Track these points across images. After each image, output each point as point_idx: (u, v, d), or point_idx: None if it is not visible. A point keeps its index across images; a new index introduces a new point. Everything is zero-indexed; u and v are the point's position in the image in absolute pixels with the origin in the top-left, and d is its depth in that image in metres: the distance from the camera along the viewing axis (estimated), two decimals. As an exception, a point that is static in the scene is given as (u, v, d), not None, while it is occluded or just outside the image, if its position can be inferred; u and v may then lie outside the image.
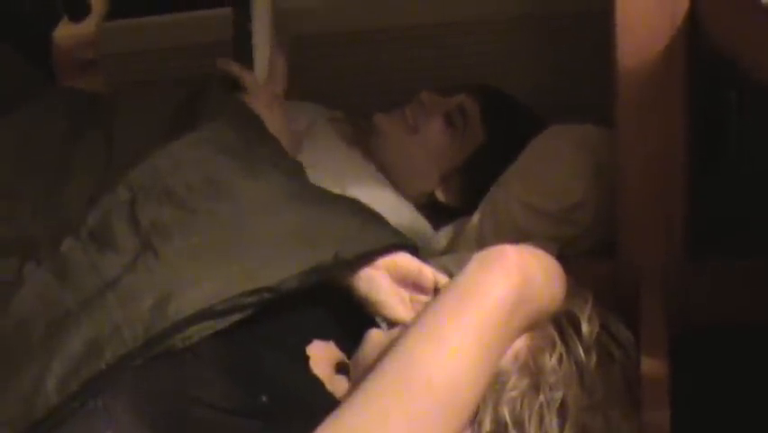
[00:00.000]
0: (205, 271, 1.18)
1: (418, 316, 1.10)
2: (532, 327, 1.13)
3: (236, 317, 1.17)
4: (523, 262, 1.11)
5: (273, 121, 1.58)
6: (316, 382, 1.22)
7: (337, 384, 1.24)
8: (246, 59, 1.66)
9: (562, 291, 1.16)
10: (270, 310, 1.22)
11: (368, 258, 1.26)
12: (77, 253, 1.22)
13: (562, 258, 1.46)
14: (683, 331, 1.41)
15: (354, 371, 1.25)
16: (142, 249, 1.20)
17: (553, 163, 1.62)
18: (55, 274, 1.20)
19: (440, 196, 1.75)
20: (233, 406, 1.12)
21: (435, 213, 1.75)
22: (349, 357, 1.28)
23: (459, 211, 1.74)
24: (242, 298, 1.16)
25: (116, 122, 1.50)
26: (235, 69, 1.64)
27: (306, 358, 1.25)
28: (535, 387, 1.14)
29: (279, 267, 1.19)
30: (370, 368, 1.18)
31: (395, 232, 1.32)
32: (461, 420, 1.06)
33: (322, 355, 1.26)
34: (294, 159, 1.48)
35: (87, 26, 1.70)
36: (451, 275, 1.47)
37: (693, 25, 1.37)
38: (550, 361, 1.14)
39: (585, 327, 1.16)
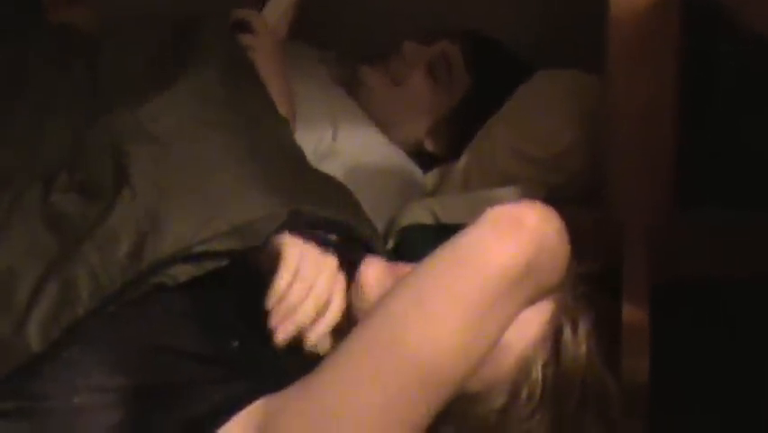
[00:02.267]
0: (179, 211, 1.17)
1: (412, 271, 1.03)
2: (533, 301, 1.05)
3: (210, 265, 1.16)
4: (541, 234, 1.02)
5: (272, 70, 1.58)
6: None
7: None
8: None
9: (566, 264, 1.06)
10: (240, 281, 1.22)
11: (324, 225, 1.22)
12: (66, 204, 1.22)
13: (547, 204, 1.48)
14: (666, 281, 1.42)
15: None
16: (121, 190, 1.20)
17: (541, 110, 1.62)
18: (45, 223, 1.20)
19: (428, 146, 1.75)
20: (204, 352, 1.12)
21: (424, 160, 1.75)
22: None
23: (447, 159, 1.74)
24: (215, 241, 1.16)
25: (103, 59, 1.49)
26: (244, 11, 1.62)
27: None
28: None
29: (249, 211, 1.18)
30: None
31: (362, 221, 1.28)
32: (440, 394, 1.00)
33: None
34: (280, 115, 1.47)
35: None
36: (436, 218, 1.47)
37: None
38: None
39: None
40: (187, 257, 1.15)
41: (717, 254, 1.50)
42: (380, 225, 1.46)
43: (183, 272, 1.15)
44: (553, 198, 1.49)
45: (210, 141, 1.27)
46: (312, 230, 1.19)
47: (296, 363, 1.14)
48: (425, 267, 1.02)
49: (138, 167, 1.22)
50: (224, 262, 1.17)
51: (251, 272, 1.23)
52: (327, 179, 1.36)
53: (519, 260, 0.99)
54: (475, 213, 1.44)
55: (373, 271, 1.13)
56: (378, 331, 1.00)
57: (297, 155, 1.38)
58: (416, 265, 1.03)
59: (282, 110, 1.52)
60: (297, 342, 1.11)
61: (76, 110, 1.40)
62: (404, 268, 1.11)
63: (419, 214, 1.49)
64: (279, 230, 1.17)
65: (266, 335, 1.18)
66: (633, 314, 1.24)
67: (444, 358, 0.98)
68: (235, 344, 1.15)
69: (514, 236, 1.00)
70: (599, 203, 1.48)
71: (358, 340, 1.02)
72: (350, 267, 1.17)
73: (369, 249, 1.24)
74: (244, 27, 1.62)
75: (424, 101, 1.73)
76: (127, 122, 1.29)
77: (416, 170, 1.71)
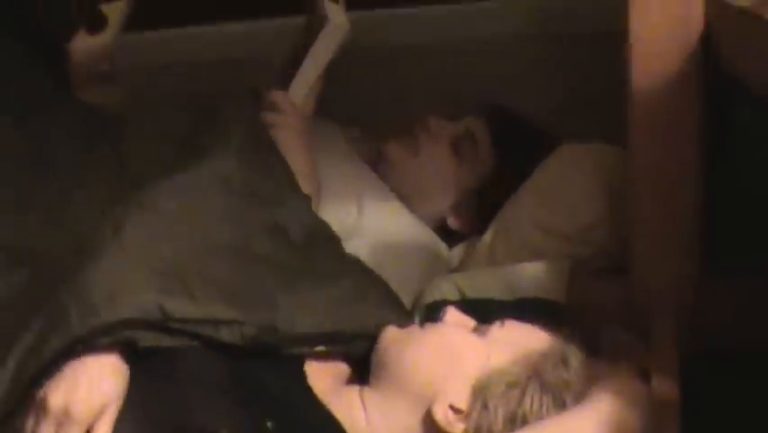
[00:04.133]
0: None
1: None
2: None
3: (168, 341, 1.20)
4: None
5: (297, 147, 1.60)
6: (318, 404, 1.23)
7: (338, 398, 1.25)
8: (289, 76, 1.67)
9: None
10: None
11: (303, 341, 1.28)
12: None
13: (574, 277, 1.48)
14: (695, 352, 1.41)
15: (371, 367, 1.27)
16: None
17: (565, 183, 1.62)
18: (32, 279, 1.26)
19: (451, 223, 1.75)
20: (238, 430, 1.13)
21: (449, 235, 1.75)
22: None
23: (471, 234, 1.74)
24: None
25: (129, 138, 1.52)
26: (269, 91, 1.65)
27: (304, 374, 1.26)
28: (535, 375, 1.19)
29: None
30: (386, 363, 1.19)
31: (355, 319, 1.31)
32: None
33: (320, 372, 1.27)
34: (302, 193, 1.49)
35: (103, 38, 1.70)
36: (462, 293, 1.47)
37: (707, 45, 1.36)
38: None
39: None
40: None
41: (745, 325, 1.49)
42: (406, 300, 1.47)
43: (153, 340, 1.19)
44: (579, 272, 1.52)
45: (201, 232, 1.30)
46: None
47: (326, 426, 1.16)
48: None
49: (131, 225, 1.26)
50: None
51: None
52: (335, 268, 1.38)
53: None
54: (500, 288, 1.47)
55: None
56: None
57: (308, 239, 1.40)
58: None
59: (306, 188, 1.53)
60: None
61: (100, 188, 1.42)
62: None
63: (445, 290, 1.49)
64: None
65: (298, 415, 1.19)
66: (662, 385, 1.23)
67: None
68: (270, 424, 1.15)
69: None
70: (626, 276, 1.47)
71: None
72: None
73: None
74: (270, 106, 1.64)
75: (447, 177, 1.74)
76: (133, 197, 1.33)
77: (442, 245, 1.71)
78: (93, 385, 1.15)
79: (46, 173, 1.46)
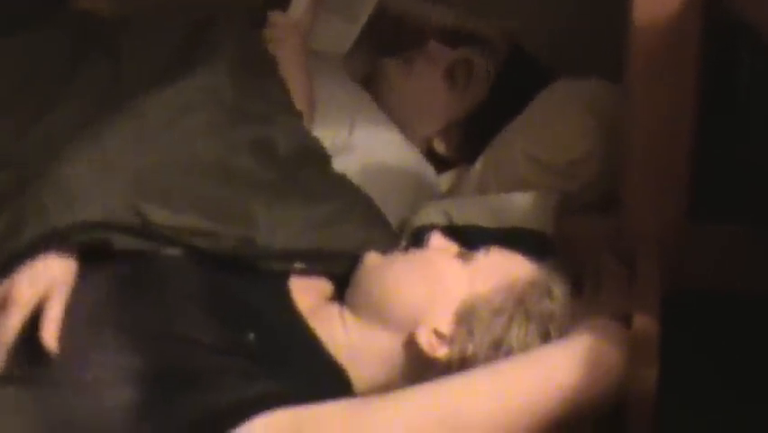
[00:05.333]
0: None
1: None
2: None
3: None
4: (620, 378, 1.15)
5: (294, 64, 1.59)
6: (299, 319, 1.23)
7: (320, 315, 1.25)
8: None
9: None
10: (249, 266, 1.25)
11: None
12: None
13: (563, 211, 1.48)
14: (678, 294, 1.41)
15: (351, 292, 1.27)
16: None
17: (558, 117, 1.62)
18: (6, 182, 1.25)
19: (438, 146, 1.75)
20: (221, 344, 1.13)
21: (435, 162, 1.74)
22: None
23: (456, 163, 1.74)
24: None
25: (124, 47, 1.51)
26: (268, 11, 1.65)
27: (288, 290, 1.26)
28: (520, 304, 1.20)
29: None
30: (368, 287, 1.21)
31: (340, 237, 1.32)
32: None
33: (303, 287, 1.27)
34: (294, 110, 1.48)
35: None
36: (450, 219, 1.47)
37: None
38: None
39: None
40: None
41: (728, 270, 1.49)
42: (392, 221, 1.47)
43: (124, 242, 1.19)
44: (567, 205, 1.52)
45: (190, 144, 1.30)
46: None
47: (310, 363, 1.16)
48: (507, 366, 1.15)
49: (115, 132, 1.27)
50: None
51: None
52: (321, 186, 1.38)
53: (598, 398, 1.14)
54: (488, 216, 1.46)
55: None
56: (447, 401, 1.11)
57: (296, 157, 1.39)
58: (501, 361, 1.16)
59: (300, 105, 1.53)
60: None
61: (90, 96, 1.41)
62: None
63: (433, 215, 1.48)
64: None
65: (279, 329, 1.19)
66: (643, 324, 1.23)
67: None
68: (251, 336, 1.16)
69: (602, 378, 1.14)
70: (613, 213, 1.47)
71: (423, 395, 1.12)
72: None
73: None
74: (269, 24, 1.64)
75: (437, 101, 1.74)
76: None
77: (431, 171, 1.71)
78: (36, 270, 1.15)
79: (36, 80, 1.45)
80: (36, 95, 1.43)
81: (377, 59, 1.81)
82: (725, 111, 1.56)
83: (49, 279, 1.16)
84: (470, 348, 1.19)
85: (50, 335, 1.13)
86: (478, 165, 1.65)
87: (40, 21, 1.56)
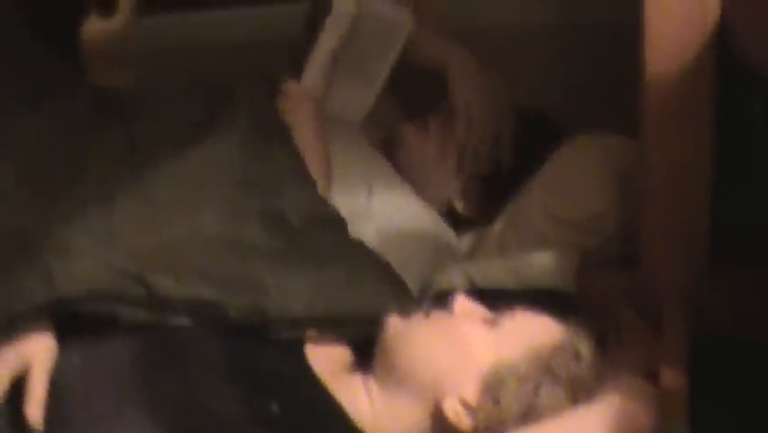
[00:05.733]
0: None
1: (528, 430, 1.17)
2: None
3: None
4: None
5: (309, 133, 1.60)
6: (321, 388, 1.23)
7: (342, 384, 1.25)
8: (302, 62, 1.67)
9: None
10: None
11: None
12: None
13: (584, 268, 1.48)
14: (705, 344, 1.40)
15: (375, 359, 1.27)
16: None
17: (576, 173, 1.62)
18: None
19: (458, 206, 1.75)
20: (245, 415, 1.13)
21: (455, 224, 1.75)
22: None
23: (477, 224, 1.74)
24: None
25: (141, 120, 1.51)
26: (282, 80, 1.66)
27: (305, 357, 1.26)
28: (547, 369, 1.20)
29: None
30: (392, 354, 1.20)
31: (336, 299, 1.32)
32: None
33: (321, 356, 1.27)
34: (309, 178, 1.49)
35: (115, 22, 1.70)
36: (472, 282, 1.47)
37: (721, 36, 1.36)
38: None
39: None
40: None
41: (755, 315, 1.49)
42: (413, 287, 1.46)
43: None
44: (588, 261, 1.52)
45: (196, 219, 1.31)
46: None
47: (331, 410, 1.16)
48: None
49: (122, 205, 1.28)
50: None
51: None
52: (334, 252, 1.38)
53: None
54: (510, 277, 1.46)
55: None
56: None
57: (308, 224, 1.39)
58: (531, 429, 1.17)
59: (316, 173, 1.53)
60: None
61: (105, 172, 1.42)
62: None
63: (455, 277, 1.48)
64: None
65: (304, 400, 1.19)
66: (671, 380, 1.23)
67: None
68: (275, 406, 1.15)
69: None
70: (635, 267, 1.47)
71: None
72: None
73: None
74: (283, 93, 1.65)
75: (455, 161, 1.74)
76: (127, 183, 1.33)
77: (450, 232, 1.71)
78: (12, 346, 1.16)
79: (56, 156, 1.46)
80: (56, 168, 1.43)
81: (394, 123, 1.81)
82: (742, 158, 1.56)
83: (25, 355, 1.16)
84: (498, 418, 1.19)
85: (35, 415, 1.13)
86: (498, 224, 1.66)
87: (60, 94, 1.57)
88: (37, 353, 1.16)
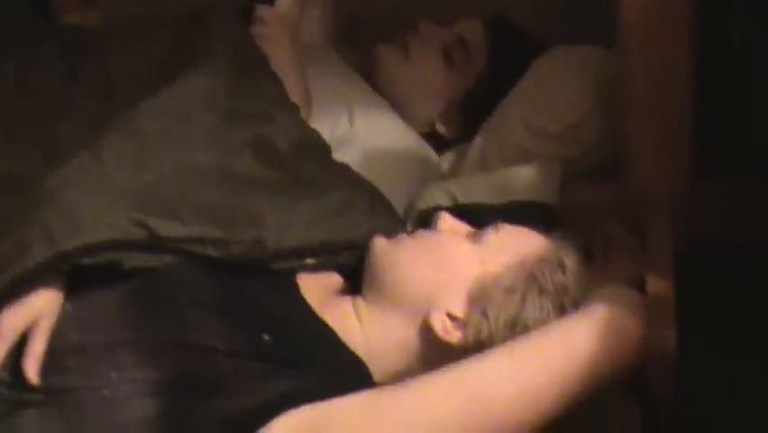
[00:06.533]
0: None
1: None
2: None
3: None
4: (639, 343, 1.15)
5: (285, 58, 1.59)
6: (313, 315, 1.22)
7: (332, 309, 1.25)
8: None
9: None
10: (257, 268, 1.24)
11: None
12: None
13: (567, 180, 1.48)
14: (690, 253, 1.40)
15: (364, 280, 1.27)
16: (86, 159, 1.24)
17: (554, 83, 1.62)
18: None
19: (440, 128, 1.75)
20: (237, 348, 1.13)
21: (439, 143, 1.74)
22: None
23: (460, 141, 1.73)
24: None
25: (113, 58, 1.51)
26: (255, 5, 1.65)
27: (297, 286, 1.26)
28: (533, 280, 1.20)
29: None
30: (380, 274, 1.20)
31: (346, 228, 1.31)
32: None
33: (312, 283, 1.27)
34: (292, 104, 1.48)
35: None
36: (454, 199, 1.47)
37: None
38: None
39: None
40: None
41: (738, 224, 1.49)
42: (398, 208, 1.46)
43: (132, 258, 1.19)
44: (571, 173, 1.51)
45: (189, 154, 1.29)
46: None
47: (328, 358, 1.16)
48: (526, 343, 1.14)
49: (113, 149, 1.26)
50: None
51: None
52: (324, 179, 1.37)
53: (616, 368, 1.14)
54: (493, 192, 1.46)
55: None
56: (469, 384, 1.11)
57: (296, 152, 1.38)
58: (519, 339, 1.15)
59: (296, 98, 1.53)
60: None
61: (87, 111, 1.41)
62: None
63: (437, 196, 1.48)
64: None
65: (295, 327, 1.19)
66: (658, 287, 1.23)
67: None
68: (266, 337, 1.16)
69: (619, 348, 1.14)
70: (618, 175, 1.46)
71: (445, 380, 1.11)
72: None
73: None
74: (257, 20, 1.63)
75: (437, 83, 1.74)
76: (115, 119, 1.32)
77: (432, 152, 1.71)
78: (21, 301, 1.15)
79: (32, 101, 1.45)
80: (33, 115, 1.43)
81: (371, 48, 1.80)
82: (723, 64, 1.55)
83: (33, 310, 1.15)
84: (486, 329, 1.19)
85: (32, 370, 1.13)
86: (477, 140, 1.65)
87: (29, 39, 1.56)
88: (45, 307, 1.16)
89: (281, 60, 1.57)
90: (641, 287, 1.25)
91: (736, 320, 1.43)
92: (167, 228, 1.20)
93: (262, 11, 1.64)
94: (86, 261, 1.17)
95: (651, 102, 1.42)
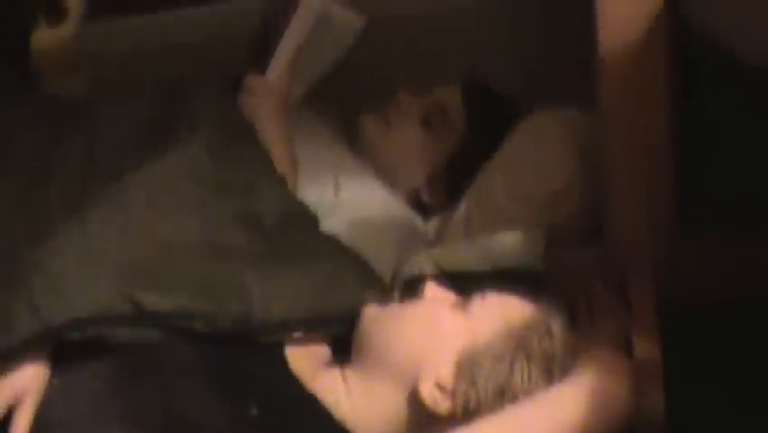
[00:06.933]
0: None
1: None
2: None
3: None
4: (627, 408, 1.17)
5: (273, 129, 1.60)
6: (300, 388, 1.23)
7: (320, 380, 1.25)
8: (263, 57, 1.67)
9: None
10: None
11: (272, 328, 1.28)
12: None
13: (550, 245, 1.48)
14: (675, 310, 1.41)
15: (354, 346, 1.27)
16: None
17: (536, 149, 1.62)
18: None
19: (424, 196, 1.75)
20: (225, 421, 1.13)
21: (424, 210, 1.75)
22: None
23: (446, 208, 1.74)
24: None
25: (97, 126, 1.51)
26: (245, 76, 1.65)
27: (285, 358, 1.26)
28: (521, 347, 1.20)
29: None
30: (367, 342, 1.20)
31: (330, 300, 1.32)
32: None
33: (300, 355, 1.27)
34: (278, 175, 1.48)
35: (65, 28, 1.69)
36: (440, 267, 1.47)
37: (675, 4, 1.36)
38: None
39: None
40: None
41: (723, 279, 1.50)
42: (384, 276, 1.46)
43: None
44: (555, 238, 1.52)
45: (175, 227, 1.30)
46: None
47: (315, 430, 1.16)
48: (514, 412, 1.17)
49: (100, 222, 1.26)
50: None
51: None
52: (312, 251, 1.38)
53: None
54: (478, 259, 1.47)
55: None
56: None
57: (283, 223, 1.39)
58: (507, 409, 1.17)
59: (283, 168, 1.53)
60: None
61: (69, 181, 1.41)
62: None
63: (423, 264, 1.48)
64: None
65: (282, 400, 1.19)
66: (644, 350, 1.24)
67: None
68: (254, 410, 1.16)
69: (608, 415, 1.16)
70: (599, 242, 1.47)
71: None
72: None
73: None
74: (246, 89, 1.65)
75: (418, 151, 1.74)
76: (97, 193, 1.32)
77: (417, 220, 1.71)
78: (3, 379, 1.15)
79: (13, 169, 1.45)
80: (16, 179, 1.43)
81: (355, 118, 1.81)
82: (702, 125, 1.56)
83: (18, 387, 1.15)
84: (474, 398, 1.19)
85: None
86: (462, 207, 1.65)
87: (13, 106, 1.56)
88: (29, 383, 1.16)
89: (268, 130, 1.58)
90: (627, 349, 1.25)
91: (723, 377, 1.43)
92: (153, 302, 1.20)
93: (252, 80, 1.66)
94: (74, 336, 1.17)
95: (630, 164, 1.43)
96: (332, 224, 1.53)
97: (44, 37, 1.68)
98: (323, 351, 1.32)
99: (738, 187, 1.53)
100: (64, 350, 1.19)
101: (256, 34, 1.72)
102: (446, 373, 1.21)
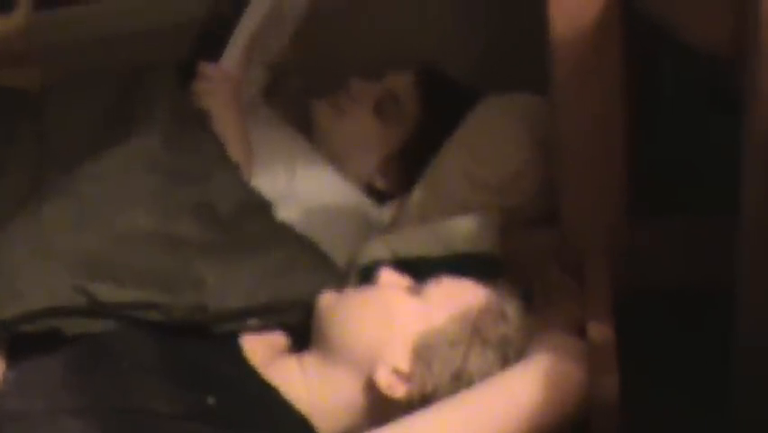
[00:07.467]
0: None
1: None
2: None
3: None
4: (582, 391, 1.18)
5: (228, 116, 1.59)
6: (256, 376, 1.22)
7: (276, 368, 1.25)
8: (214, 46, 1.65)
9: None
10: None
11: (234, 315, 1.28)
12: None
13: (505, 229, 1.49)
14: (630, 294, 1.42)
15: (312, 334, 1.28)
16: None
17: (490, 134, 1.62)
18: None
19: (378, 183, 1.75)
20: (181, 411, 1.13)
21: (379, 197, 1.75)
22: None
23: (400, 194, 1.74)
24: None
25: (49, 119, 1.50)
26: (199, 63, 1.64)
27: (240, 348, 1.26)
28: (476, 331, 1.21)
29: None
30: (323, 330, 1.19)
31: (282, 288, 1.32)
32: None
33: (256, 344, 1.27)
34: (234, 165, 1.48)
35: (16, 18, 1.68)
36: (395, 253, 1.47)
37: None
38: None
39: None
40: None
41: (677, 262, 1.51)
42: (340, 264, 1.46)
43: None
44: (510, 222, 1.52)
45: (129, 218, 1.29)
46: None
47: (273, 418, 1.16)
48: (470, 396, 1.17)
49: (53, 213, 1.25)
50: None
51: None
52: (266, 238, 1.37)
53: (559, 417, 1.17)
54: (433, 245, 1.47)
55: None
56: None
57: (238, 212, 1.39)
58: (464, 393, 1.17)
59: (238, 156, 1.53)
60: None
61: (22, 174, 1.40)
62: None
63: (378, 251, 1.48)
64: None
65: (239, 389, 1.19)
66: (598, 333, 1.24)
67: None
68: (211, 400, 1.15)
69: (563, 398, 1.17)
70: (556, 224, 1.48)
71: None
72: None
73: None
74: (199, 76, 1.63)
75: (371, 138, 1.74)
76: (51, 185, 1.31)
77: (372, 207, 1.71)
78: None
79: None
80: None
81: (307, 102, 1.81)
82: (655, 109, 1.58)
83: None
84: (431, 383, 1.20)
85: None
86: (416, 193, 1.65)
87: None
88: None
89: (223, 118, 1.57)
90: (582, 332, 1.26)
91: (676, 360, 1.45)
92: (107, 294, 1.20)
93: (205, 67, 1.65)
94: (27, 328, 1.16)
95: (585, 145, 1.44)
96: (285, 211, 1.52)
97: (-6, 27, 1.67)
98: (279, 339, 1.32)
99: (692, 171, 1.55)
100: (18, 343, 1.18)
101: (207, 21, 1.71)
102: (402, 358, 1.22)
